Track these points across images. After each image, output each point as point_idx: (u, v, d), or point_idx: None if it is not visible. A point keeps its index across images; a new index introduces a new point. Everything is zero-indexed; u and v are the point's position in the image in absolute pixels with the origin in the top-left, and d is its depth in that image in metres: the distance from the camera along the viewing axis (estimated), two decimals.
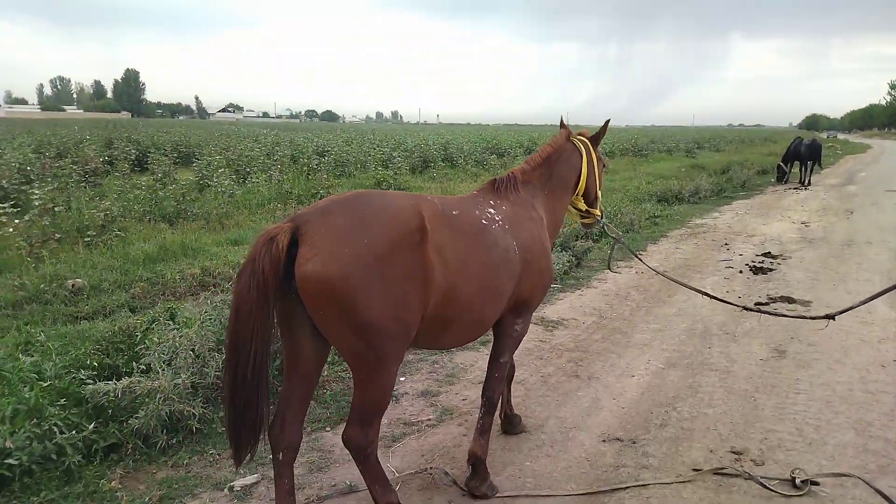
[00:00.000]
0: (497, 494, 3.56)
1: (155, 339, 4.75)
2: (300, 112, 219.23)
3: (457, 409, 4.71)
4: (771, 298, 7.53)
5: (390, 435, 4.28)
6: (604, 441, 4.19)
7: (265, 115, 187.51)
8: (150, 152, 21.67)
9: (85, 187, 14.39)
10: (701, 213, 14.98)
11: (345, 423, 2.98)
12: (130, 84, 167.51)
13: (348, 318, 2.65)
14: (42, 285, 7.45)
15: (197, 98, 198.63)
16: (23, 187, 12.22)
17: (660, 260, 9.99)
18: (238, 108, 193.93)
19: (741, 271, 9.10)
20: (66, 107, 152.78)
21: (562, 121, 4.37)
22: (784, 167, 21.51)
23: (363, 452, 2.94)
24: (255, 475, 3.76)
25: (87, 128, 33.77)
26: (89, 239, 9.70)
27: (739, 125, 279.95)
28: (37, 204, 9.37)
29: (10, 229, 9.06)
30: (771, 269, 9.14)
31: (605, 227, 4.47)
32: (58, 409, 3.87)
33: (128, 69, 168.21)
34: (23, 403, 3.74)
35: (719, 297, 4.81)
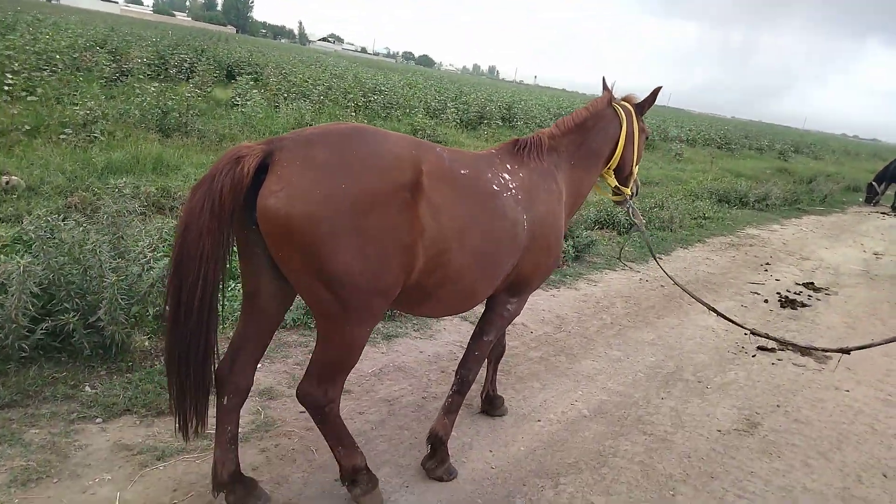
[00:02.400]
0: (454, 477, 3.30)
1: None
2: (398, 52, 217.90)
3: (281, 424, 3.61)
4: (782, 345, 6.02)
5: (163, 448, 3.24)
6: None
7: (363, 50, 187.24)
8: (207, 64, 21.08)
9: (104, 85, 13.84)
10: (760, 223, 13.09)
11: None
12: (241, 6, 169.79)
13: (311, 266, 2.36)
14: None
15: (300, 23, 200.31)
16: (33, 73, 11.72)
17: (678, 269, 8.49)
18: (338, 40, 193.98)
19: (767, 300, 7.51)
20: (177, 13, 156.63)
21: (604, 81, 3.80)
22: (876, 187, 18.78)
23: (321, 411, 2.69)
24: None
25: (182, 34, 33.54)
26: (65, 137, 9.06)
27: (854, 136, 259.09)
28: (5, 89, 8.71)
29: None
30: (804, 305, 7.50)
31: (630, 209, 3.96)
32: None
33: None
34: None
35: (732, 318, 4.13)
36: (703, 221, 12.17)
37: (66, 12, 39.47)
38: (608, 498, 3.31)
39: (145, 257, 4.18)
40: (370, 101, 19.41)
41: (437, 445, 3.29)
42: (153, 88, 12.18)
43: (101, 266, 3.84)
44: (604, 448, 3.80)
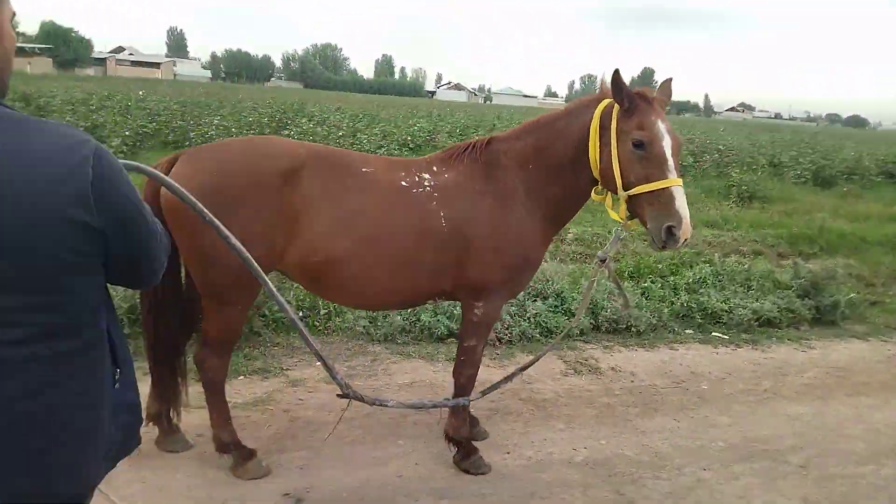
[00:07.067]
0: (487, 472, 3.45)
1: None
2: (819, 115, 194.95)
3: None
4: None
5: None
6: None
7: (777, 116, 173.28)
8: None
9: None
10: None
11: None
12: (645, 81, 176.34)
13: (188, 245, 2.89)
14: None
15: (706, 96, 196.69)
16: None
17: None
18: (748, 108, 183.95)
19: None
20: None
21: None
22: None
23: (207, 376, 3.17)
24: None
25: None
26: None
27: None
28: None
29: None
30: None
31: (611, 240, 3.34)
32: None
33: (645, 68, 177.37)
34: None
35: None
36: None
37: (495, 109, 47.49)
38: None
39: None
40: (699, 160, 18.36)
41: (456, 443, 3.48)
42: None
43: None
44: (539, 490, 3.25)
